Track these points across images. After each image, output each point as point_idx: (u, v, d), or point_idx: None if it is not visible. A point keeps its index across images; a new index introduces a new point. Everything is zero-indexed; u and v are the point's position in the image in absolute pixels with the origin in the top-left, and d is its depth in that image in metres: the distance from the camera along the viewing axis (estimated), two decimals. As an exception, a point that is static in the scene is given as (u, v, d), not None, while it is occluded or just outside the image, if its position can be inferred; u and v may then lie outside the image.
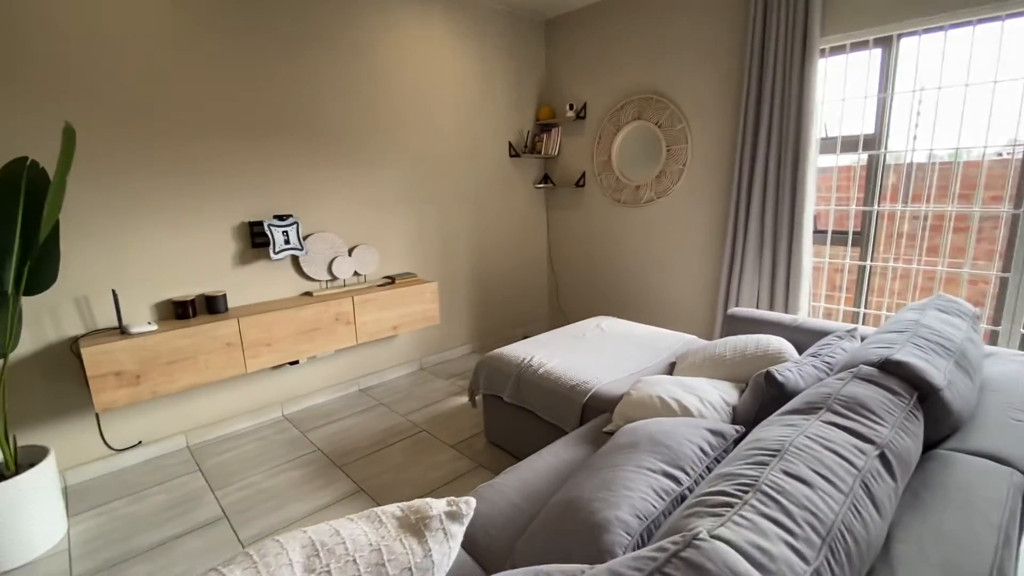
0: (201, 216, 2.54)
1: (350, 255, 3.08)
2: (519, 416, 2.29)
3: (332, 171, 2.97)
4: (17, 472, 1.84)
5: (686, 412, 1.56)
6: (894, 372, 1.15)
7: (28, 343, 2.14)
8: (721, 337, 2.44)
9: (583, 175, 3.99)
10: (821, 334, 2.06)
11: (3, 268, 1.76)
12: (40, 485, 1.88)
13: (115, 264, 2.32)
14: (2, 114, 1.98)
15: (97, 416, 2.35)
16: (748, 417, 1.54)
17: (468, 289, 3.84)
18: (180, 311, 2.44)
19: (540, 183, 4.20)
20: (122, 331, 2.23)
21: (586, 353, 2.37)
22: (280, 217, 2.75)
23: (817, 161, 2.74)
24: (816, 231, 2.95)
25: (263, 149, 2.69)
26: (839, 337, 1.79)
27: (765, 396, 1.48)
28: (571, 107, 3.87)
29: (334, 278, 3.04)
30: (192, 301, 2.48)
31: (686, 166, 3.34)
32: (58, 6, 2.06)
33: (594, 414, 1.94)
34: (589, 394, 1.99)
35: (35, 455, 1.96)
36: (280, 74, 2.70)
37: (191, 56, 2.41)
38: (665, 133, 3.40)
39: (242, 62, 2.57)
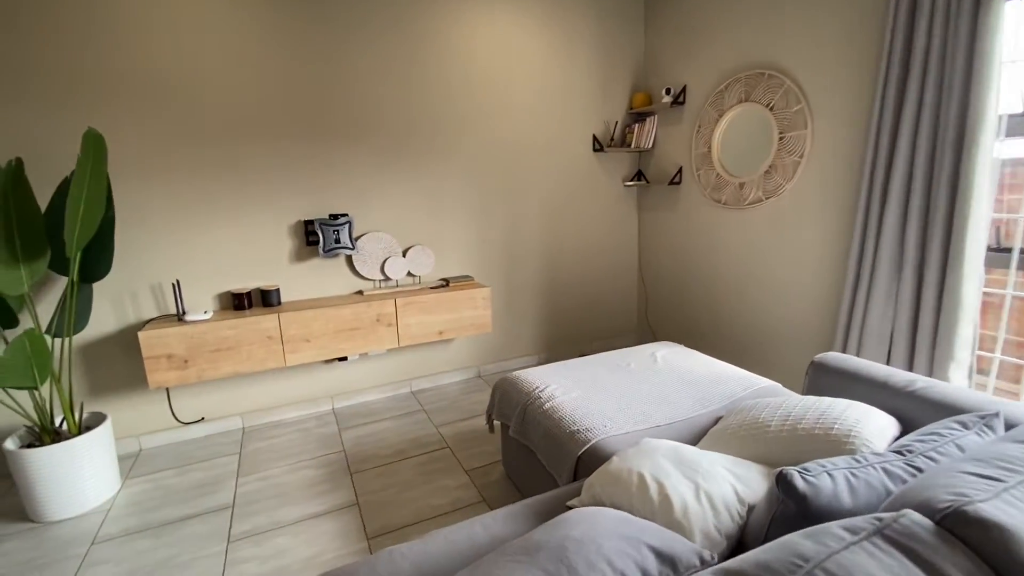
0: (261, 213, 2.69)
1: (404, 256, 3.04)
2: (526, 453, 1.97)
3: (390, 171, 2.94)
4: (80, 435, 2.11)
5: (666, 506, 1.12)
6: (961, 536, 0.62)
7: (112, 323, 2.47)
8: (805, 392, 1.82)
9: (679, 171, 3.41)
10: (947, 410, 1.36)
11: (71, 260, 2.02)
12: (95, 448, 2.14)
13: (184, 256, 2.57)
14: (105, 121, 2.29)
15: (168, 391, 2.64)
16: (758, 533, 1.04)
17: (538, 296, 3.56)
18: (237, 302, 2.62)
19: (631, 180, 3.71)
20: (179, 318, 2.46)
21: (614, 389, 1.95)
22: (334, 216, 2.79)
23: (994, 149, 1.87)
24: (996, 249, 2.05)
25: (322, 149, 2.75)
26: (964, 425, 1.15)
27: (777, 509, 0.98)
28: (668, 91, 3.32)
29: (387, 278, 3.02)
30: (248, 294, 2.64)
31: (804, 158, 2.60)
32: (147, 33, 2.32)
33: (589, 472, 1.55)
34: (587, 445, 1.60)
35: (96, 421, 2.24)
36: (340, 74, 2.73)
37: (255, 60, 2.55)
38: (778, 117, 2.70)
39: (303, 64, 2.64)
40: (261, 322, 2.51)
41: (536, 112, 3.30)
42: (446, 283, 3.10)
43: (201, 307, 2.64)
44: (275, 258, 2.77)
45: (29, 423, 2.19)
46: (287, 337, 2.57)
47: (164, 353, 2.34)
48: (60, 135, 2.24)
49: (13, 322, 2.10)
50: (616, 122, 3.59)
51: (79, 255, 1.99)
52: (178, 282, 2.48)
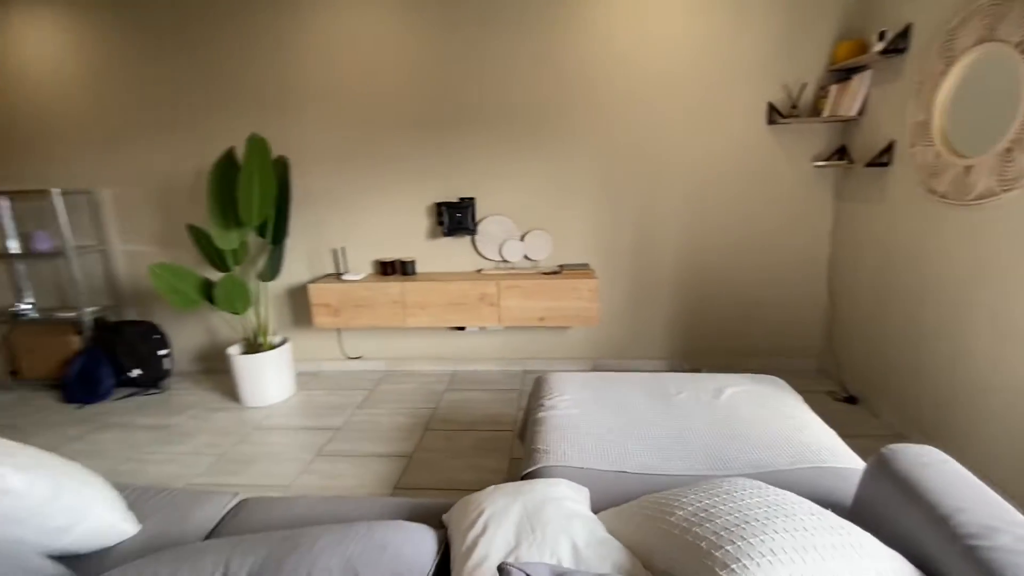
0: (405, 195, 3.17)
1: (522, 240, 3.12)
2: (531, 458, 1.90)
3: (514, 156, 3.04)
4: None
5: (469, 553, 0.99)
6: None
7: (304, 275, 3.35)
8: (856, 497, 1.24)
9: (889, 146, 2.45)
10: None
11: (266, 228, 2.85)
12: (278, 362, 3.01)
13: (351, 226, 3.26)
14: (297, 121, 3.09)
15: (339, 332, 3.45)
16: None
17: (675, 295, 3.16)
18: (382, 269, 3.20)
19: (825, 160, 2.84)
20: (338, 276, 3.17)
21: (625, 417, 1.68)
22: (462, 199, 3.07)
23: None
24: None
25: (454, 137, 3.04)
26: None
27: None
28: (881, 36, 2.39)
29: (505, 260, 3.17)
30: (392, 263, 3.19)
31: (1077, 127, 1.57)
32: (325, 50, 2.98)
33: (527, 496, 1.44)
34: (531, 468, 1.48)
35: (282, 343, 3.13)
36: (473, 68, 2.93)
37: (404, 64, 2.97)
38: (1039, 60, 1.68)
39: (443, 64, 2.94)
40: (389, 288, 3.02)
41: (686, 82, 2.84)
42: (560, 270, 3.06)
43: (360, 270, 3.32)
44: (414, 234, 3.23)
45: (245, 338, 3.22)
46: (407, 303, 3.02)
47: (323, 302, 3.07)
48: (267, 133, 3.11)
49: (226, 269, 3.09)
50: (804, 84, 2.77)
51: (269, 224, 2.80)
52: (343, 248, 3.18)
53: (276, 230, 2.93)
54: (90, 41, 3.09)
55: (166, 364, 3.36)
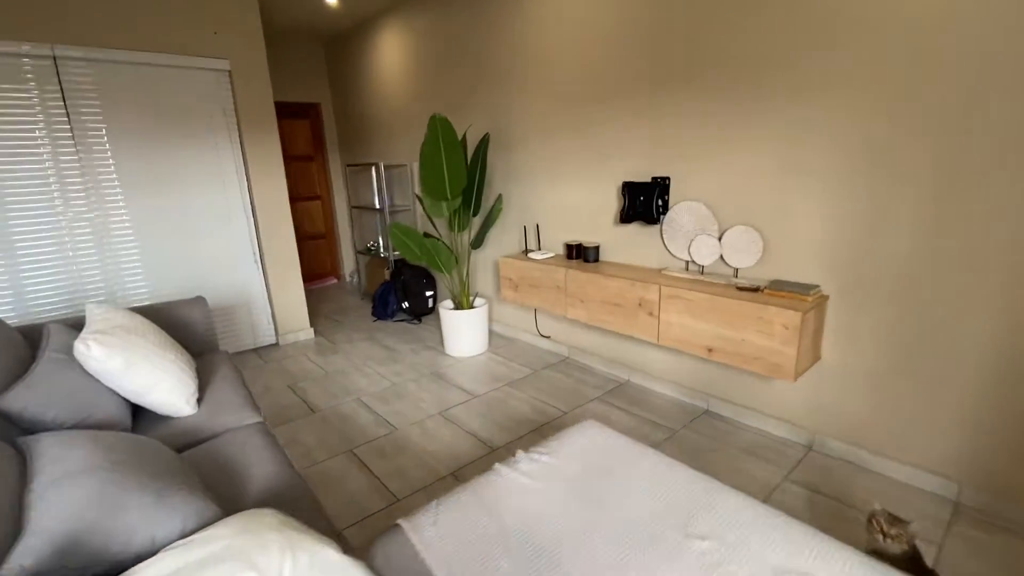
0: (600, 171, 2.81)
1: (719, 239, 2.30)
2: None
3: (720, 121, 2.21)
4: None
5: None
6: None
7: (517, 247, 3.49)
8: None
9: None
10: None
11: (470, 201, 3.13)
12: (474, 320, 3.34)
13: (550, 203, 3.16)
14: (508, 99, 3.15)
15: (535, 312, 3.48)
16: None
17: (988, 375, 1.69)
18: (568, 252, 3.01)
19: None
20: (525, 254, 3.16)
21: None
22: (655, 179, 2.51)
23: None
24: None
25: (650, 103, 2.46)
26: None
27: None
28: None
29: (693, 261, 2.42)
30: (577, 246, 2.96)
31: None
32: (539, 33, 2.88)
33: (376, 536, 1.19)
34: (394, 521, 1.18)
35: (479, 305, 3.42)
36: (670, 7, 2.25)
37: (605, 25, 2.56)
38: None
39: (643, 9, 2.39)
40: (555, 273, 2.82)
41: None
42: (761, 288, 2.11)
43: (554, 249, 3.21)
44: (603, 217, 2.86)
45: (453, 296, 3.65)
46: (568, 291, 2.75)
47: (507, 276, 3.16)
48: (502, 110, 3.27)
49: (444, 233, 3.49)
50: None
51: (467, 197, 3.06)
52: (538, 226, 3.15)
53: (473, 203, 3.16)
54: (403, 48, 4.01)
55: (429, 303, 4.23)
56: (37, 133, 2.72)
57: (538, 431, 2.41)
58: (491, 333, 3.80)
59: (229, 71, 3.28)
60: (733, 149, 2.20)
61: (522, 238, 3.41)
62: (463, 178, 2.93)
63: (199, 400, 1.83)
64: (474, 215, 3.29)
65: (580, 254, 2.94)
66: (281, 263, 3.69)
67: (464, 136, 3.17)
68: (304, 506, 1.28)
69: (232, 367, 2.15)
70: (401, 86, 4.29)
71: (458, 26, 3.49)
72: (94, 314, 1.80)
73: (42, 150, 2.75)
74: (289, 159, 5.35)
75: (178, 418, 1.74)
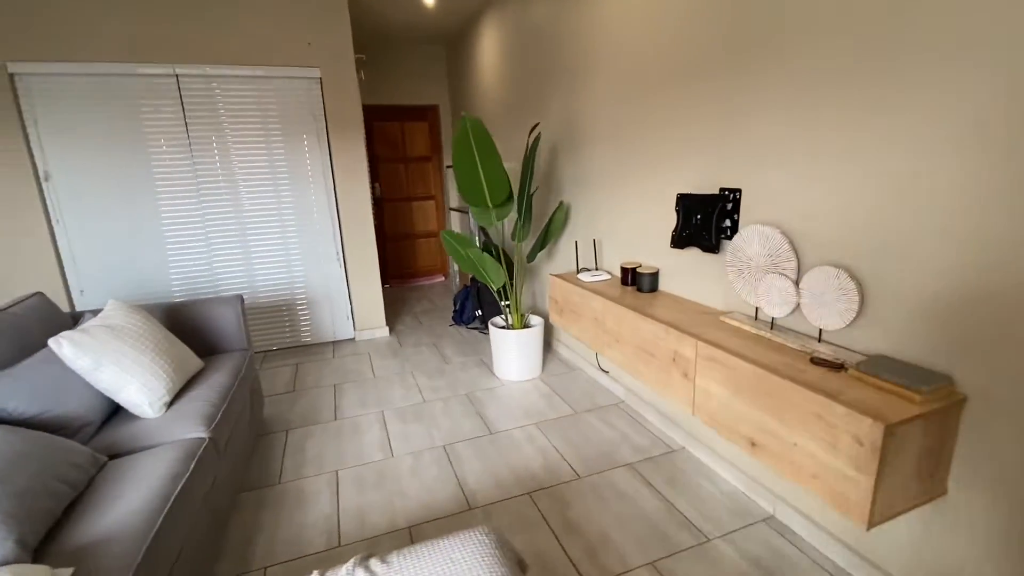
0: (655, 179, 2.22)
1: (796, 283, 1.58)
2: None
3: (813, 119, 1.49)
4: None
5: None
6: None
7: (562, 266, 3.01)
8: None
9: None
10: None
11: (521, 205, 2.78)
12: (524, 342, 2.99)
13: (612, 216, 2.62)
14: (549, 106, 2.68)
15: (597, 356, 2.96)
16: None
17: None
18: (623, 276, 2.46)
19: None
20: (577, 273, 2.67)
21: None
22: (724, 191, 1.86)
23: None
24: None
25: (724, 87, 1.81)
26: None
27: None
28: None
29: (764, 310, 1.71)
30: (632, 270, 2.40)
31: None
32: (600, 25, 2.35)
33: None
34: None
35: (534, 323, 3.04)
36: (762, -53, 1.58)
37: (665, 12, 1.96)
38: None
39: (719, -42, 1.74)
40: (592, 301, 2.31)
41: None
42: (844, 366, 1.38)
43: (611, 269, 2.66)
44: (661, 237, 2.25)
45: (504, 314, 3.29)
46: (605, 326, 2.23)
47: (555, 297, 2.72)
48: (571, 107, 2.81)
49: (494, 242, 3.14)
50: None
51: (524, 206, 2.71)
52: (594, 241, 2.65)
53: (523, 212, 2.78)
54: (495, 45, 3.76)
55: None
56: (162, 141, 3.19)
57: (530, 496, 1.99)
58: (552, 356, 3.39)
59: (320, 79, 3.44)
60: (826, 151, 1.47)
61: (583, 254, 2.93)
62: (504, 184, 2.59)
63: (171, 404, 1.87)
64: (522, 224, 2.91)
65: (634, 280, 2.37)
66: (361, 262, 3.80)
67: (538, 137, 2.80)
68: (115, 551, 1.14)
69: (233, 371, 2.18)
70: (491, 84, 4.08)
71: (535, 18, 3.13)
72: (106, 309, 1.95)
73: (164, 155, 3.21)
74: (406, 160, 5.58)
75: (143, 419, 1.79)
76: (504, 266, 2.94)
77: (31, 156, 2.96)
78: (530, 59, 3.30)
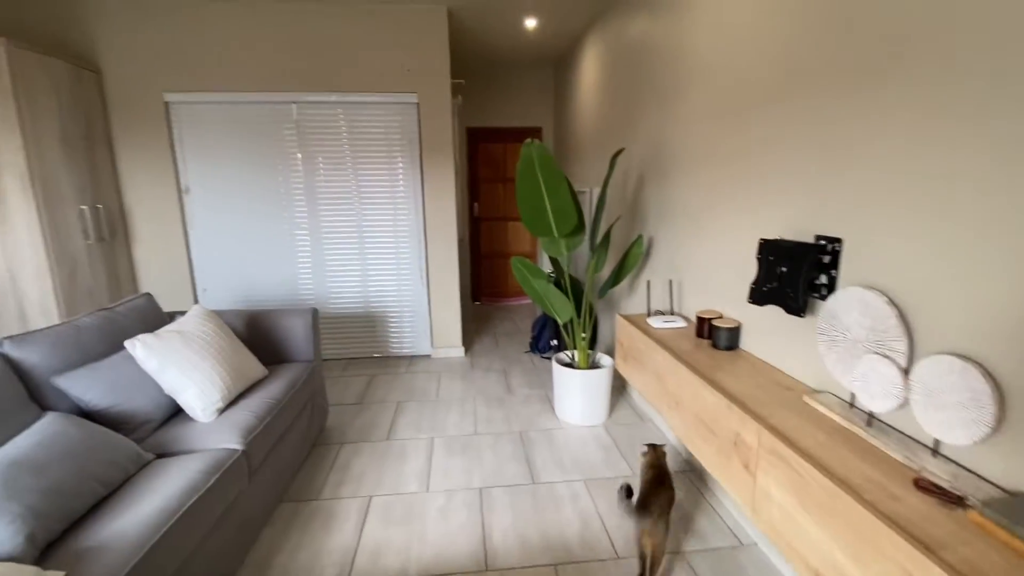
0: (739, 218, 1.87)
1: (906, 372, 1.18)
2: None
3: (941, 154, 1.11)
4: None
5: None
6: None
7: (654, 301, 2.70)
8: None
9: None
10: None
11: (595, 235, 2.57)
12: (589, 384, 2.75)
13: (688, 255, 2.30)
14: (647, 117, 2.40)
15: (671, 386, 2.61)
16: None
17: None
18: (699, 326, 2.13)
19: None
20: (647, 314, 2.38)
21: None
22: (821, 240, 1.50)
23: None
24: None
25: (832, 106, 1.46)
26: None
27: None
28: None
29: (856, 401, 1.32)
30: (710, 320, 2.07)
31: None
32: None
33: None
34: None
35: (602, 364, 2.78)
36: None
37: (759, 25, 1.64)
38: None
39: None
40: (655, 352, 2.02)
41: None
42: (960, 499, 0.98)
43: (687, 315, 2.32)
44: (741, 287, 1.89)
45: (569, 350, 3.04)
46: (666, 384, 1.93)
47: (621, 340, 2.45)
48: (659, 130, 2.54)
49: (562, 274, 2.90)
50: None
51: (598, 237, 2.50)
52: (671, 282, 2.34)
53: (595, 244, 2.55)
54: (593, 66, 3.58)
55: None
56: (277, 161, 3.54)
57: (555, 570, 1.76)
58: (623, 401, 3.08)
59: (417, 103, 3.57)
60: (960, 204, 1.08)
61: (660, 294, 2.61)
62: (572, 214, 2.40)
63: (224, 409, 1.98)
64: (595, 257, 2.67)
65: (711, 333, 2.03)
66: (443, 281, 3.85)
67: (614, 164, 2.59)
68: (106, 560, 1.17)
69: (290, 383, 2.28)
70: (588, 107, 3.91)
71: (631, 35, 2.91)
72: (187, 314, 2.16)
73: (277, 174, 3.56)
74: (506, 180, 5.62)
75: (196, 423, 1.91)
76: (572, 299, 2.73)
77: (176, 172, 3.46)
78: (624, 80, 3.08)
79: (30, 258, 2.76)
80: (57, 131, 2.87)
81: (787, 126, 1.61)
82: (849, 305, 1.34)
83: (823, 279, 1.47)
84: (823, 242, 1.46)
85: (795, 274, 1.50)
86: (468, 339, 4.41)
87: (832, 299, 1.39)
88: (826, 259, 1.45)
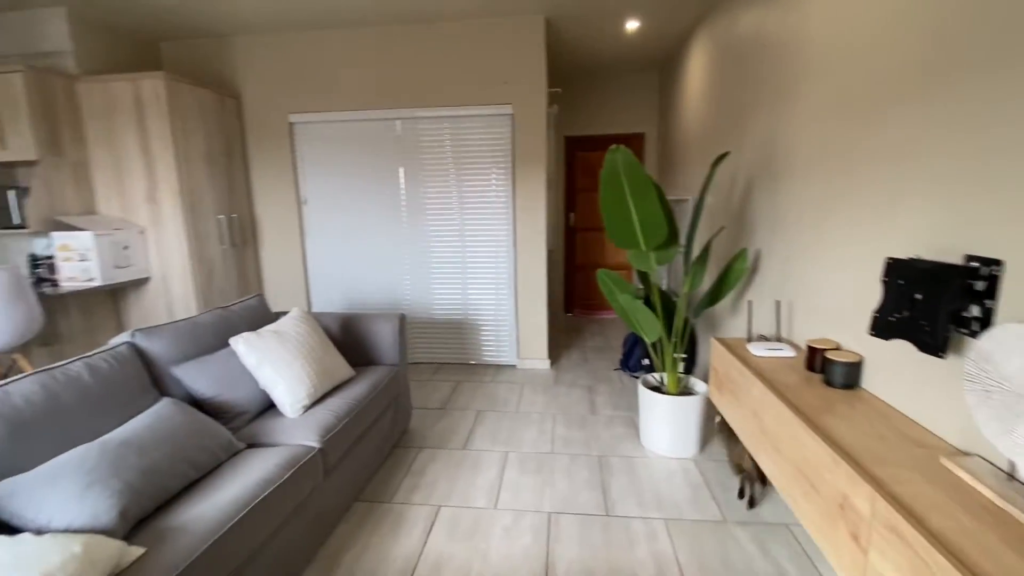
0: (858, 231, 1.56)
1: (1100, 437, 0.87)
2: None
3: None
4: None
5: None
6: None
7: (761, 324, 2.38)
8: None
9: None
10: None
11: (689, 248, 2.36)
12: (678, 411, 2.51)
13: (802, 274, 1.98)
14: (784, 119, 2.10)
15: (775, 422, 2.28)
16: None
17: None
18: (809, 357, 1.82)
19: None
20: (748, 339, 2.09)
21: None
22: (972, 260, 1.20)
23: None
24: None
25: (975, 99, 1.16)
26: None
27: None
28: None
29: (1015, 473, 1.00)
30: (822, 352, 1.76)
31: None
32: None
33: None
34: None
35: (690, 388, 2.52)
36: None
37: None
38: None
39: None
40: (752, 386, 1.76)
41: None
42: None
43: (800, 339, 2.00)
44: (862, 315, 1.57)
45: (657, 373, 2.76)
46: (764, 424, 1.66)
47: (716, 366, 2.20)
48: (772, 132, 2.25)
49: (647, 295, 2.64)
50: None
51: (692, 249, 2.29)
52: (778, 303, 2.05)
53: (689, 256, 2.32)
54: (699, 67, 3.30)
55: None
56: (381, 173, 3.77)
57: (621, 617, 1.59)
58: (721, 435, 2.76)
59: (511, 115, 3.59)
60: None
61: (766, 317, 2.30)
62: (662, 224, 2.20)
63: (311, 407, 2.11)
64: (689, 272, 2.43)
65: (823, 367, 1.73)
66: (530, 292, 3.81)
67: (714, 170, 2.35)
68: (183, 542, 1.27)
69: (373, 385, 2.37)
70: (693, 110, 3.63)
71: (740, 29, 2.64)
72: (287, 315, 2.34)
73: (381, 185, 3.79)
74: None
75: (285, 418, 2.06)
76: (663, 317, 2.52)
77: (296, 185, 3.83)
78: (731, 79, 2.80)
79: (178, 261, 3.22)
80: (203, 150, 3.33)
81: (932, 127, 1.31)
82: (1010, 348, 1.03)
83: (974, 311, 1.15)
84: (975, 264, 1.15)
85: (933, 303, 1.20)
86: (556, 352, 4.32)
87: (987, 337, 1.08)
88: (979, 286, 1.14)
